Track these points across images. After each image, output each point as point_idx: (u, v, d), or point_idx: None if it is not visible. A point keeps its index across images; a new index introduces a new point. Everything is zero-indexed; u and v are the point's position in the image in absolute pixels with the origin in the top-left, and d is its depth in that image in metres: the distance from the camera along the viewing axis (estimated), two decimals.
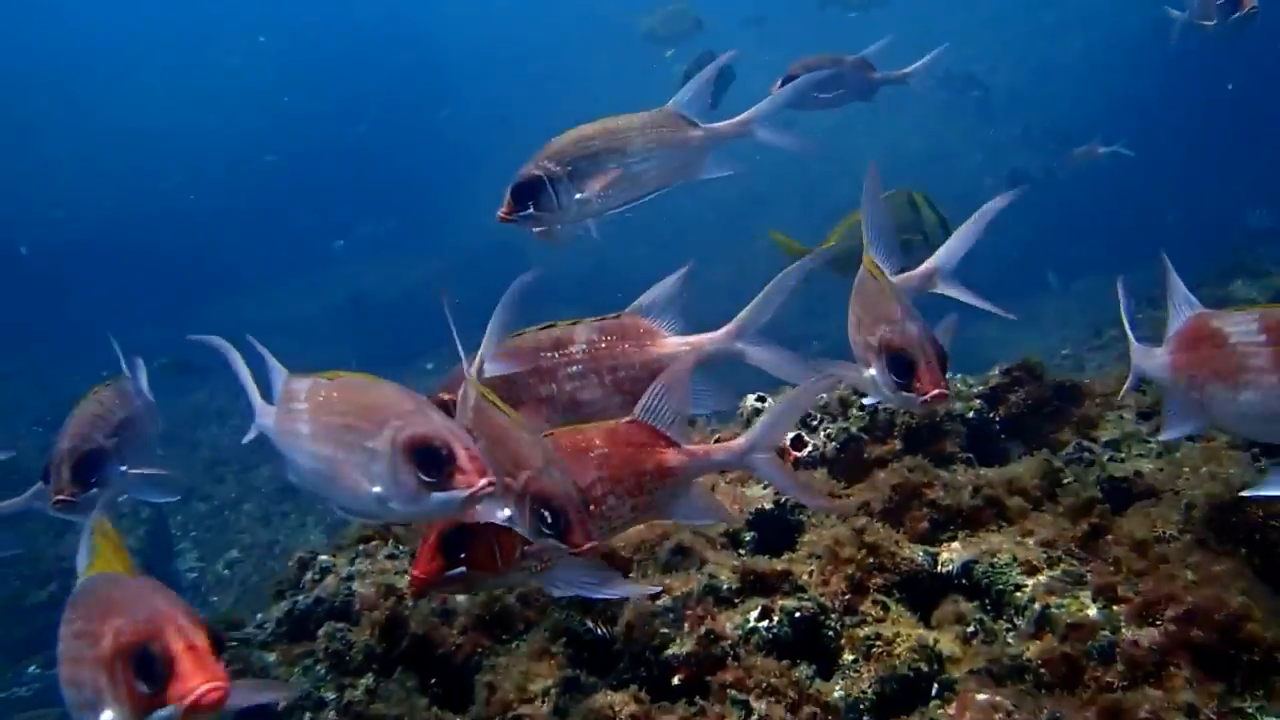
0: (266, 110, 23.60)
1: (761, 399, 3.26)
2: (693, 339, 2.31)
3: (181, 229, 20.66)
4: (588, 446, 2.06)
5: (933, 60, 4.19)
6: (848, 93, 4.28)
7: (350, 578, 2.79)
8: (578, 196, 2.55)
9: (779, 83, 3.79)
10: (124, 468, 2.67)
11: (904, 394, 1.97)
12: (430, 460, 1.65)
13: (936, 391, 1.91)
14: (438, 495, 1.66)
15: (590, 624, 2.62)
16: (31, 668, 7.98)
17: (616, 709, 2.18)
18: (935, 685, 2.16)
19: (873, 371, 2.07)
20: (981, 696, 1.99)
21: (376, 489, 1.70)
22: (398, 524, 2.62)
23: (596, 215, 2.60)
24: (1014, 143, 14.43)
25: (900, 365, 1.95)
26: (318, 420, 1.82)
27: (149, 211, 21.09)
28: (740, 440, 2.19)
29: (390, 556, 2.90)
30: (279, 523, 10.65)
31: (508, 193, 2.53)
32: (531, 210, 2.52)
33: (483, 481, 1.64)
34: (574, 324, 2.32)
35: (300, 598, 2.82)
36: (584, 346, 2.29)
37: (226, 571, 10.04)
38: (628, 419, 2.13)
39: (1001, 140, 14.83)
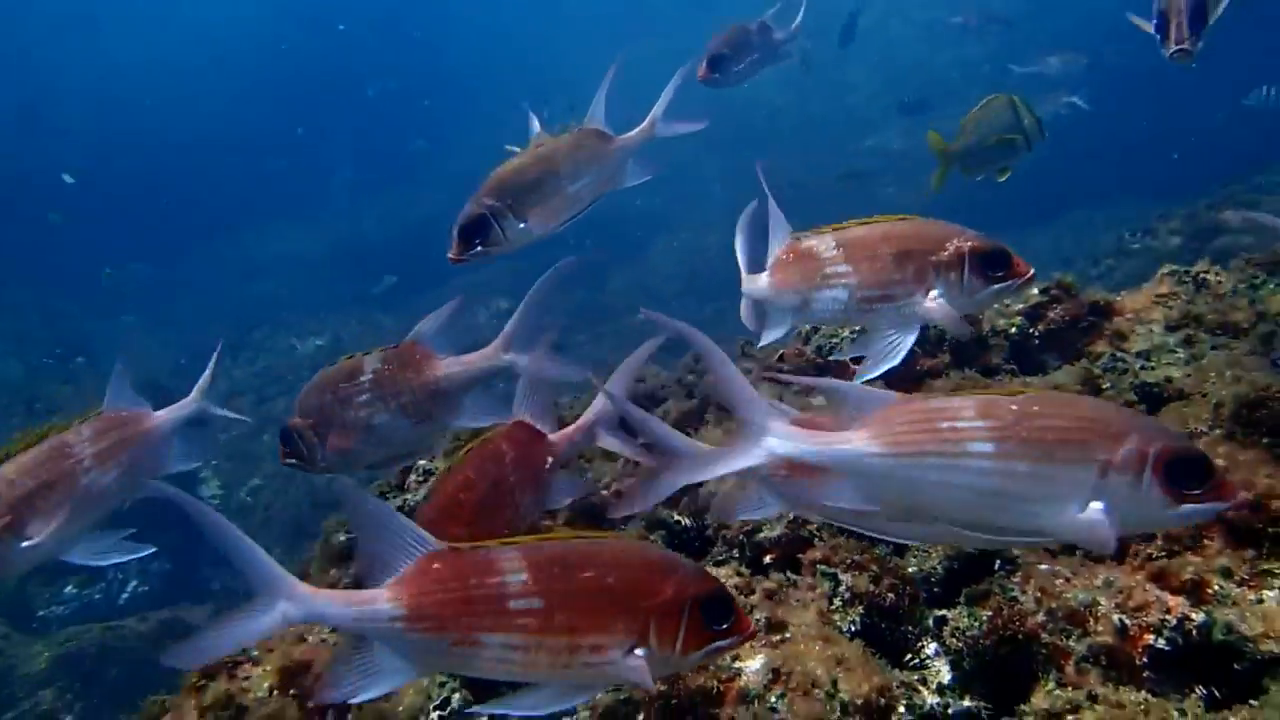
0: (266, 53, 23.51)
1: None
2: (465, 358, 2.53)
3: (178, 166, 20.66)
4: (498, 452, 2.25)
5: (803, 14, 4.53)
6: (761, 58, 4.52)
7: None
8: (521, 226, 2.73)
9: (704, 63, 4.31)
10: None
11: (996, 286, 2.19)
12: (1187, 472, 1.59)
13: None
14: (1188, 508, 1.60)
15: (677, 516, 2.95)
16: (68, 588, 8.32)
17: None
18: (998, 561, 2.47)
19: (935, 294, 2.25)
20: (1043, 566, 2.31)
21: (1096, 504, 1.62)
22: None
23: (540, 238, 2.78)
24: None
25: (997, 259, 2.17)
26: (1007, 436, 1.66)
27: (144, 146, 21.03)
28: (584, 418, 2.39)
29: None
30: None
31: (455, 233, 2.64)
32: (479, 248, 2.67)
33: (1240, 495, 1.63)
34: (364, 355, 2.54)
35: (408, 496, 3.11)
36: (370, 375, 2.50)
37: (249, 499, 10.36)
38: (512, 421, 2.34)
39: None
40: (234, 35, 25.23)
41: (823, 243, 2.32)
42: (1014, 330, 3.38)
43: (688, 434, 3.25)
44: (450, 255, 2.63)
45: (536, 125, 2.87)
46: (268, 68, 23.47)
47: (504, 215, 2.72)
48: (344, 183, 19.88)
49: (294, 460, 2.59)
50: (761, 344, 2.45)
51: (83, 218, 18.19)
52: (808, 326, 3.56)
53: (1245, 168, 10.48)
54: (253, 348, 13.23)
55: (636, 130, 2.83)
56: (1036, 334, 3.38)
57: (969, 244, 2.19)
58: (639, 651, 1.60)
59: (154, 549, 2.46)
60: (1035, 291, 3.50)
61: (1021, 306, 3.44)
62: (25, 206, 17.72)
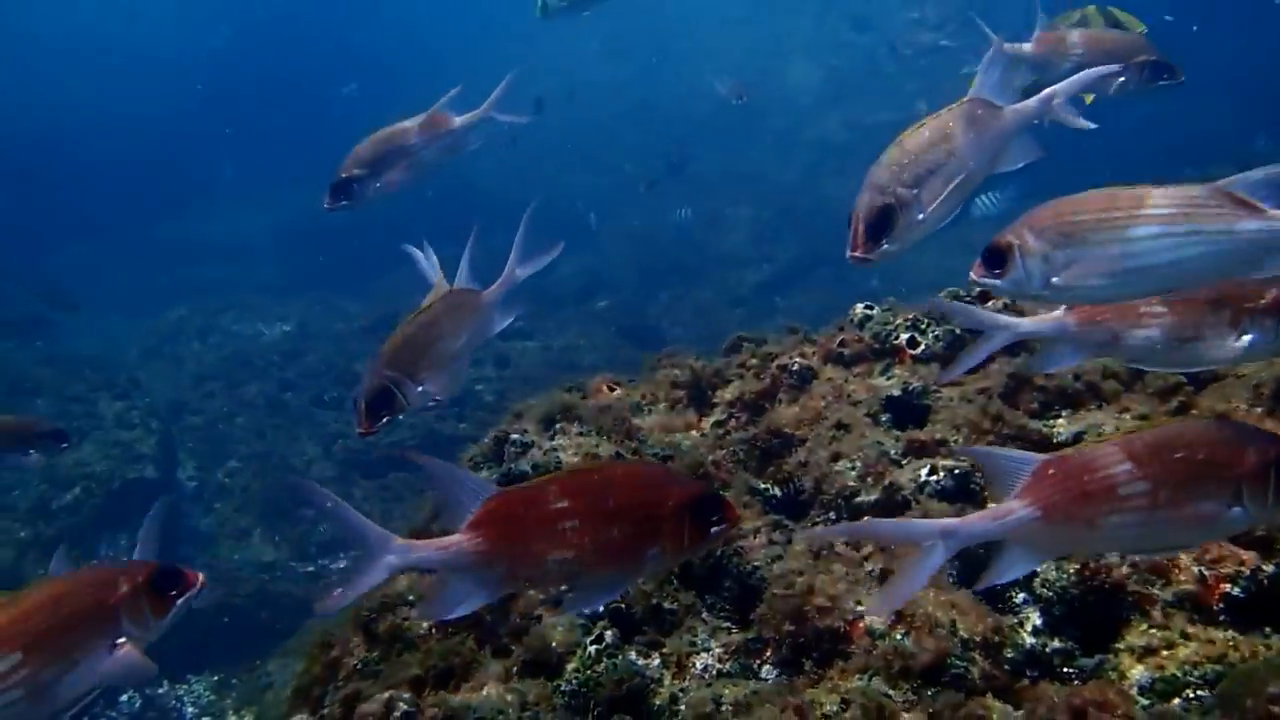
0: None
1: (870, 306, 3.83)
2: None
3: (129, 142, 20.27)
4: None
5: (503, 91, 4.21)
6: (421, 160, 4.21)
7: (555, 449, 3.30)
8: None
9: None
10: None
11: None
12: None
13: None
14: None
15: (765, 485, 3.20)
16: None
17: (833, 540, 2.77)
18: None
19: (1248, 337, 2.27)
20: None
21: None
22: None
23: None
24: None
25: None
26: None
27: (92, 123, 20.60)
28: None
29: (581, 434, 3.41)
30: (273, 435, 10.94)
31: (362, 408, 2.89)
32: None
33: None
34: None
35: (512, 465, 3.32)
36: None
37: (227, 480, 10.33)
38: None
39: None
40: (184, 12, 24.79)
41: None
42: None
43: (761, 409, 3.53)
44: (361, 430, 2.89)
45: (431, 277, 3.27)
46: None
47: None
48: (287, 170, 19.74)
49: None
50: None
51: (24, 199, 17.83)
52: (861, 312, 3.84)
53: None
54: (220, 333, 13.13)
55: (498, 283, 3.10)
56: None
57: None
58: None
59: None
60: None
61: None
62: None
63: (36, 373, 10.22)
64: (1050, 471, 1.96)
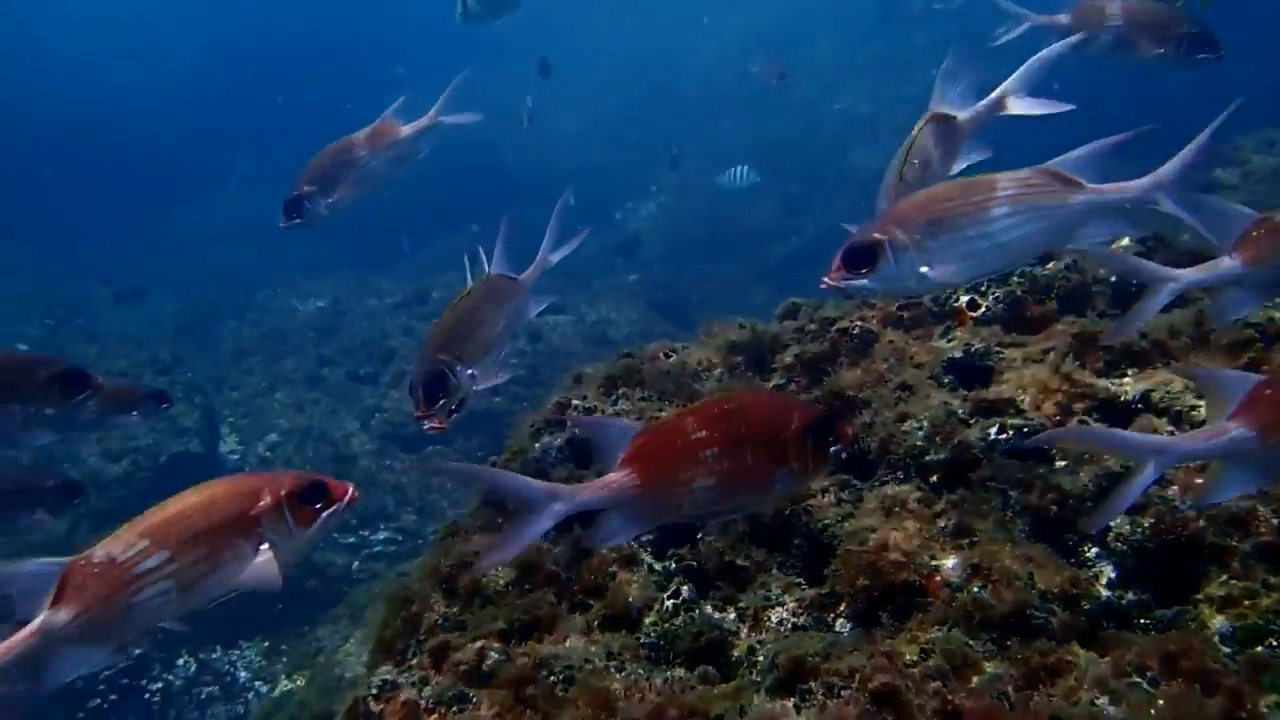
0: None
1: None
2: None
3: (149, 128, 20.42)
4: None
5: (450, 95, 4.27)
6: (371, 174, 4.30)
7: (617, 414, 3.33)
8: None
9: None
10: None
11: None
12: None
13: None
14: None
15: None
16: None
17: (905, 496, 2.79)
18: None
19: None
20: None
21: None
22: None
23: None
24: None
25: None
26: None
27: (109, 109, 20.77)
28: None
29: (643, 399, 3.45)
30: (311, 409, 11.07)
31: (420, 393, 2.96)
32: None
33: None
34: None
35: (576, 431, 3.36)
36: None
37: (268, 454, 10.48)
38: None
39: None
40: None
41: None
42: (1114, 279, 3.69)
43: (824, 374, 3.54)
44: (419, 414, 2.98)
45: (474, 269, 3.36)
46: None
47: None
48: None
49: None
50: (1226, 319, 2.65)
51: (60, 181, 18.00)
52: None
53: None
54: (257, 309, 13.26)
55: (532, 268, 3.27)
56: (1134, 282, 3.69)
57: None
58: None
59: None
60: (1128, 241, 3.82)
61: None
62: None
63: (79, 350, 10.37)
64: (1267, 392, 1.96)
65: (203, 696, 7.16)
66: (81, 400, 3.15)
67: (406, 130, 4.11)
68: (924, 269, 2.24)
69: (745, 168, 11.89)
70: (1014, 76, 2.77)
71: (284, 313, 13.34)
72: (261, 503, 2.21)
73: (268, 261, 15.96)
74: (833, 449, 2.24)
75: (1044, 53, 2.83)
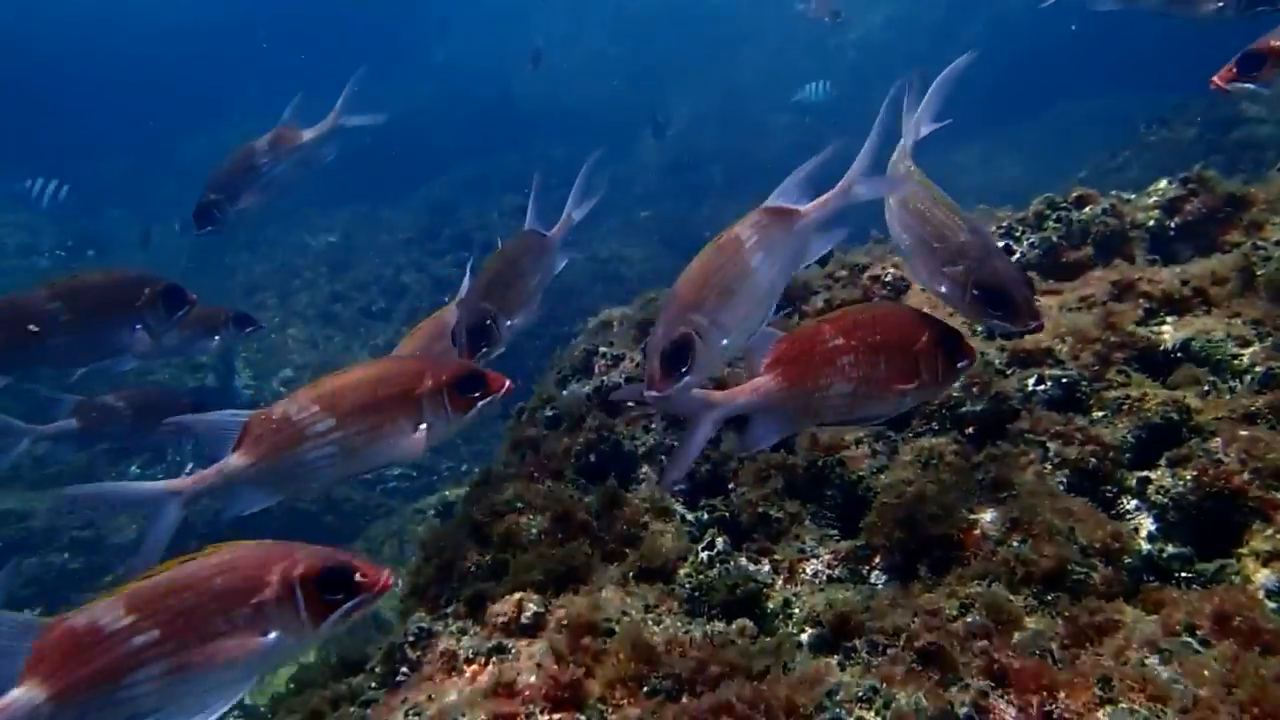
0: None
1: None
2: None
3: (154, 54, 20.10)
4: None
5: (350, 94, 4.22)
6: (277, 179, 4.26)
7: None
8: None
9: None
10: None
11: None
12: None
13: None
14: None
15: None
16: (132, 468, 8.52)
17: (942, 448, 2.76)
18: (1184, 430, 2.73)
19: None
20: (1244, 432, 2.59)
21: None
22: None
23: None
24: None
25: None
26: None
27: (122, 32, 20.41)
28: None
29: None
30: (325, 345, 11.07)
31: (464, 340, 2.92)
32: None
33: None
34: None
35: (604, 378, 3.33)
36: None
37: (282, 389, 10.49)
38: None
39: None
40: None
41: None
42: (1151, 223, 3.61)
43: None
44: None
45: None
46: None
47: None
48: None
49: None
50: None
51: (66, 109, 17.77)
52: None
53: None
54: (268, 243, 13.18)
55: (559, 225, 3.28)
56: (1173, 226, 3.62)
57: None
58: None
59: None
60: (1167, 183, 3.73)
61: (1157, 200, 3.66)
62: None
63: None
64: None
65: None
66: (181, 316, 3.21)
67: (308, 135, 4.10)
68: (726, 340, 2.25)
69: (825, 82, 11.51)
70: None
71: (295, 247, 13.26)
72: (425, 385, 2.35)
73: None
74: (960, 364, 2.33)
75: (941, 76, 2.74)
